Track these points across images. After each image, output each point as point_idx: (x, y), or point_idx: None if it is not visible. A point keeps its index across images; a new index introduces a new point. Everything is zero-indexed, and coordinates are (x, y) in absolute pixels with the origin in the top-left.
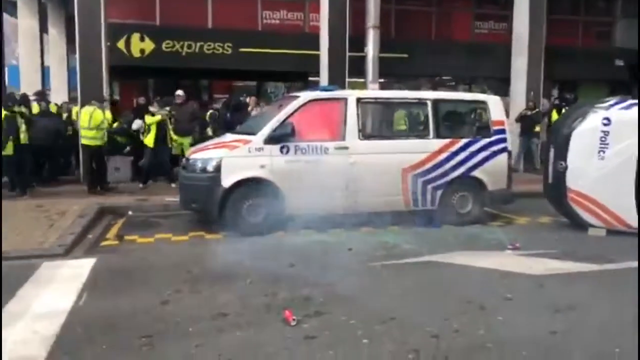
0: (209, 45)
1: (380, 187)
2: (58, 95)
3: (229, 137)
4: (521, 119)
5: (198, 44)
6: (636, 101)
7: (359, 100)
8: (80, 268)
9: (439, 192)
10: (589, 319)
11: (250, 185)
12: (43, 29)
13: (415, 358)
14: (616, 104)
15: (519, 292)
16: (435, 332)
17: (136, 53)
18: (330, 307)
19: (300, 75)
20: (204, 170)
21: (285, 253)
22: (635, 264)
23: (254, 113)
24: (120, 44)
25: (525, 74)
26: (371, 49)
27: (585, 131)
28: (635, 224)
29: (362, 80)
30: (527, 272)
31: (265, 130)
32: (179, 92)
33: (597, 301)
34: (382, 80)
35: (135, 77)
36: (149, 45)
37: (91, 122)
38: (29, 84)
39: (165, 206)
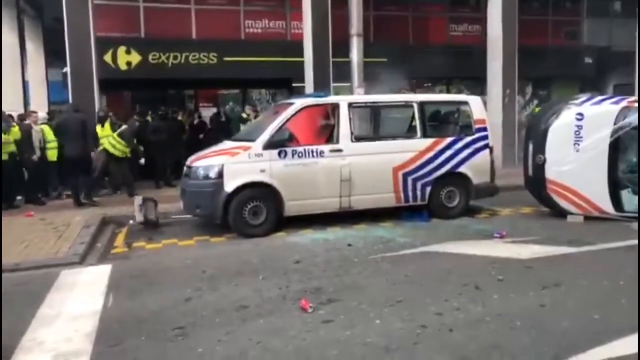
0: (194, 56)
1: (373, 186)
2: (39, 110)
3: (227, 144)
4: None
5: (183, 55)
6: (605, 97)
7: (350, 104)
8: (99, 274)
9: (428, 188)
10: (572, 293)
11: (251, 189)
12: (22, 44)
13: (423, 332)
14: (587, 100)
15: (509, 274)
16: (439, 311)
17: (123, 66)
18: (340, 295)
19: (284, 82)
20: (206, 177)
21: (289, 251)
22: (610, 245)
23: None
24: (107, 57)
25: (501, 76)
26: (355, 56)
27: (561, 126)
28: (608, 209)
29: (346, 84)
30: (514, 256)
31: (264, 136)
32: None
33: (578, 278)
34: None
35: (122, 90)
36: (135, 58)
37: None
38: (11, 100)
39: (164, 214)
